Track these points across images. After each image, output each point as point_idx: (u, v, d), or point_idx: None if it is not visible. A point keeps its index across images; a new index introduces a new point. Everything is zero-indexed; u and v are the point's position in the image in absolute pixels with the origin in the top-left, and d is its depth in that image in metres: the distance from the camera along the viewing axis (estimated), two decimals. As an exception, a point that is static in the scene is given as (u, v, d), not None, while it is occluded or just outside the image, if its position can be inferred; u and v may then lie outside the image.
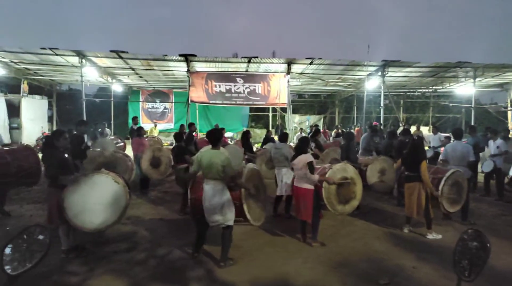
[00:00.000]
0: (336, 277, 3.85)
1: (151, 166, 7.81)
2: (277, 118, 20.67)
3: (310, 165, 4.63)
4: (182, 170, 6.26)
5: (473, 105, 15.05)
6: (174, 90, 20.48)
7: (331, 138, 14.27)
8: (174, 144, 7.41)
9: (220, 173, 3.95)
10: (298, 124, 20.79)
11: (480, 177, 8.41)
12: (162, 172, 8.05)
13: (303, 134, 14.92)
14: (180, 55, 12.79)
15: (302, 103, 25.84)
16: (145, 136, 10.60)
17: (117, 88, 19.03)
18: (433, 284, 3.69)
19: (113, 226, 4.41)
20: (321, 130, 13.35)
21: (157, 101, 20.76)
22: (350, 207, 5.06)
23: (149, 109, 20.90)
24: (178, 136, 7.09)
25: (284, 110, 15.41)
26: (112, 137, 12.04)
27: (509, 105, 17.39)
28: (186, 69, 13.62)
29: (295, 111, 21.94)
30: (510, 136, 9.73)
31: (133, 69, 15.16)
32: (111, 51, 12.02)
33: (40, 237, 1.95)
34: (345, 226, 5.62)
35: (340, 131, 14.59)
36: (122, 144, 11.24)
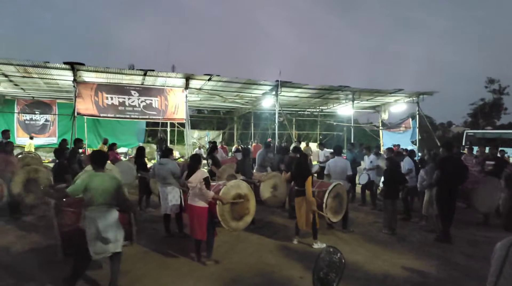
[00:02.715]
0: (228, 295, 3.83)
1: (25, 190, 6.75)
2: (159, 132, 20.04)
3: (205, 181, 4.58)
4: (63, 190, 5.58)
5: (352, 124, 17.04)
6: (58, 101, 18.33)
7: (230, 154, 14.50)
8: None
9: (114, 198, 3.67)
10: (197, 140, 20.65)
11: (358, 189, 9.46)
12: (39, 196, 7.04)
13: (202, 150, 14.86)
14: (65, 63, 11.58)
15: (201, 118, 25.82)
16: (19, 152, 9.22)
17: (-16, 96, 16.21)
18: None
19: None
20: (219, 146, 13.47)
21: (36, 112, 18.30)
22: (244, 223, 5.13)
23: (27, 122, 18.31)
24: (58, 152, 6.33)
25: (182, 125, 15.15)
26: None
27: (380, 125, 20.15)
28: (72, 78, 12.37)
29: (194, 126, 21.78)
30: (381, 152, 11.23)
31: (6, 76, 13.15)
32: (-24, 53, 10.26)
33: None
34: (240, 242, 5.68)
35: (239, 147, 14.93)
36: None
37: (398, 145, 13.54)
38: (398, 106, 18.53)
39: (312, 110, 22.59)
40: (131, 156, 13.09)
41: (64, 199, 4.12)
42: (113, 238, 3.63)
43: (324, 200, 5.70)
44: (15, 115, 17.91)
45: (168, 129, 20.29)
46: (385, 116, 19.65)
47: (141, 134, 20.63)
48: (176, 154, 17.07)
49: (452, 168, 5.84)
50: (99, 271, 4.18)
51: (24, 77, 13.22)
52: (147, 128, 21.59)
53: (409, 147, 15.06)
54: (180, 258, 4.88)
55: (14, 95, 17.80)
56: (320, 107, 21.31)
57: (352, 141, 14.51)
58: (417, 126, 17.68)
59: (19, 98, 18.10)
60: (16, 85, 14.96)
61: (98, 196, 3.57)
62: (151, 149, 18.53)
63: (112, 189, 3.65)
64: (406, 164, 7.78)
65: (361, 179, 8.82)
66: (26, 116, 18.27)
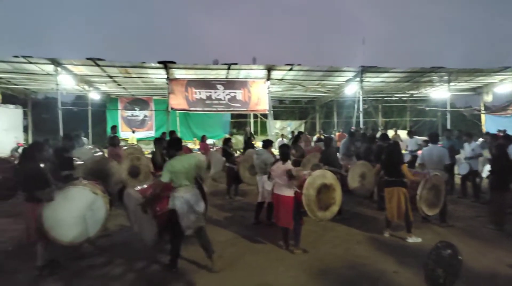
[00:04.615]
0: (318, 285, 3.84)
1: (129, 176, 7.69)
2: (247, 125, 20.53)
3: (289, 173, 4.63)
4: None
5: (448, 109, 15.49)
6: (154, 97, 20.20)
7: (312, 143, 14.36)
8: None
9: (195, 174, 4.11)
10: (279, 130, 20.85)
11: (457, 179, 8.62)
12: (141, 181, 7.92)
13: (285, 140, 14.98)
14: (159, 62, 12.65)
15: (283, 109, 25.97)
16: (123, 144, 10.38)
17: (94, 96, 18.57)
18: (414, 288, 3.72)
19: (92, 238, 4.33)
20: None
21: (136, 109, 20.43)
22: (330, 213, 5.07)
23: (129, 117, 20.53)
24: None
25: (265, 116, 15.48)
26: (90, 147, 11.73)
27: (482, 108, 17.97)
28: (165, 76, 13.49)
29: (276, 117, 22.03)
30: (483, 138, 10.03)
31: (110, 77, 14.90)
32: (88, 58, 11.79)
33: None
34: (327, 232, 5.63)
35: (321, 136, 14.70)
36: (100, 153, 10.97)
37: (505, 131, 11.96)
38: (505, 86, 16.29)
39: (401, 95, 21.09)
40: (218, 147, 13.82)
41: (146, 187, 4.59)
42: (201, 210, 4.02)
43: (419, 192, 5.32)
44: (119, 111, 20.24)
45: (252, 120, 20.88)
46: (488, 98, 17.47)
47: (226, 125, 21.61)
48: (259, 144, 17.53)
49: None
50: (194, 248, 4.52)
51: (125, 77, 14.83)
52: (231, 120, 22.52)
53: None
54: (269, 245, 5.03)
55: (117, 94, 20.17)
56: (410, 92, 19.78)
57: (448, 127, 13.24)
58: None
59: (121, 96, 20.43)
60: (119, 84, 16.87)
61: (182, 176, 3.96)
62: (236, 140, 19.30)
63: (193, 167, 4.04)
64: (512, 151, 6.84)
65: (461, 169, 8.00)
66: (128, 112, 20.51)
